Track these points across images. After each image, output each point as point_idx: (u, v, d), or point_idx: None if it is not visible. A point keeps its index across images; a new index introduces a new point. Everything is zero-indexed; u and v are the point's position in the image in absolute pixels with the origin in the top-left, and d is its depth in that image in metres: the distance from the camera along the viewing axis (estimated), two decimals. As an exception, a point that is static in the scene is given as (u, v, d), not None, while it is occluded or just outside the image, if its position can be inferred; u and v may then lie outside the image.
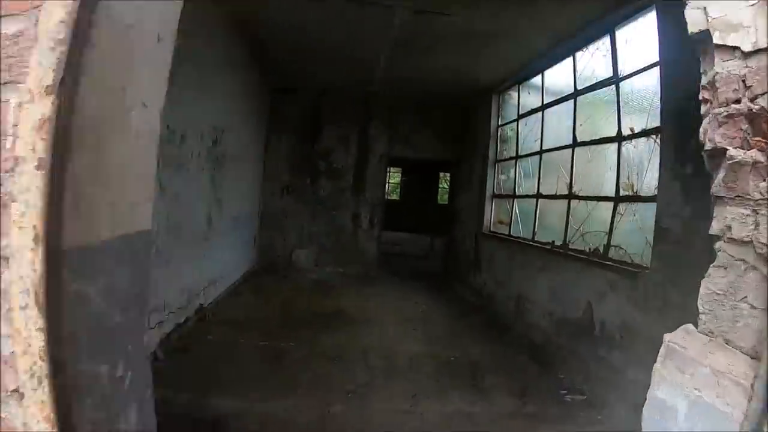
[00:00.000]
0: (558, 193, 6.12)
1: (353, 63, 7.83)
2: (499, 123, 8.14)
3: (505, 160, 7.86)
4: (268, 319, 6.33)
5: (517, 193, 7.28)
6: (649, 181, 4.72)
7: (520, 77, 7.31)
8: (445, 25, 5.99)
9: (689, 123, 3.83)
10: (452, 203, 9.99)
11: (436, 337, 6.04)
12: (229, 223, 7.52)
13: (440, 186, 23.14)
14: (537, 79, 6.96)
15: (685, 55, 4.11)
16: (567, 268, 5.44)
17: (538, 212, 6.55)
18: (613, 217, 5.04)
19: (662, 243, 4.06)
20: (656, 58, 4.42)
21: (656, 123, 4.48)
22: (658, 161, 4.31)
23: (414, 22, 6.02)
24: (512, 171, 7.55)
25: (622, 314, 4.46)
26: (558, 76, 6.56)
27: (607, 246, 5.06)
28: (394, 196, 25.30)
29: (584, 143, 5.66)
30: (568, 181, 5.89)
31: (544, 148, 6.60)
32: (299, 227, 9.70)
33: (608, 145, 5.27)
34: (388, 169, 9.85)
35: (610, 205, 5.08)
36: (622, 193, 4.98)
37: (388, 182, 26.72)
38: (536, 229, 6.53)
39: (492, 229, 7.97)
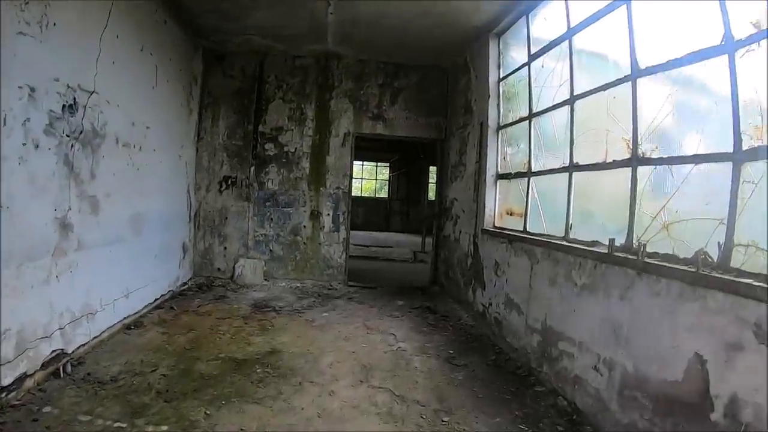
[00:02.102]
0: (610, 160, 3.53)
1: (289, 3, 5.26)
2: (501, 75, 5.54)
3: (513, 123, 5.23)
4: (155, 374, 3.78)
5: (533, 169, 4.69)
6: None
7: (530, 4, 4.73)
8: None
9: None
10: (440, 193, 7.38)
11: (413, 405, 3.43)
12: (120, 229, 4.96)
13: (430, 182, 20.52)
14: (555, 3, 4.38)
15: None
16: (644, 290, 2.86)
17: (572, 194, 3.96)
18: (735, 190, 2.47)
19: None
20: None
21: None
22: None
23: None
24: (525, 139, 4.96)
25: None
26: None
27: (729, 246, 2.49)
28: (383, 194, 22.76)
29: (658, 68, 3.08)
30: (630, 136, 3.30)
31: (576, 93, 4.01)
32: (243, 230, 7.10)
33: (709, 61, 2.69)
34: (354, 149, 7.19)
35: (725, 169, 2.51)
36: (748, 144, 2.42)
37: (376, 179, 24.20)
38: (571, 222, 3.94)
39: (498, 225, 5.36)
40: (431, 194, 20.30)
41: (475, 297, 5.58)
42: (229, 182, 7.04)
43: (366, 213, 21.42)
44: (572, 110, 4.04)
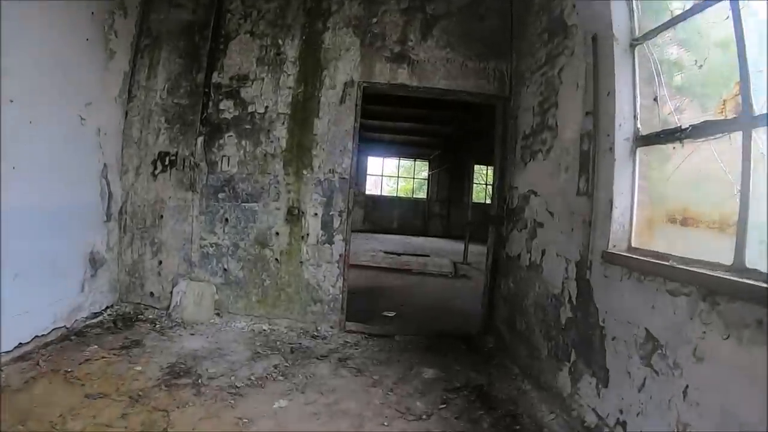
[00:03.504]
0: None
1: None
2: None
3: (675, 22, 2.32)
4: None
5: (757, 111, 1.82)
6: None
7: None
8: None
9: None
10: (502, 184, 4.45)
11: None
12: None
13: (475, 182, 17.52)
14: None
15: None
16: None
17: None
18: None
19: None
20: None
21: None
22: None
23: None
24: (712, 50, 2.11)
25: None
26: None
27: None
28: (420, 195, 19.88)
29: None
30: None
31: None
32: (185, 236, 4.49)
33: None
34: (361, 108, 4.34)
35: None
36: None
37: (413, 178, 21.28)
38: None
39: (640, 246, 2.45)
40: (475, 196, 17.36)
41: (576, 389, 2.70)
42: (167, 161, 4.45)
43: (402, 215, 18.76)
44: None
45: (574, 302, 2.76)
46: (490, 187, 20.30)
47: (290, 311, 4.29)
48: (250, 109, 4.30)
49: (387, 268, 9.67)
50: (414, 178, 20.49)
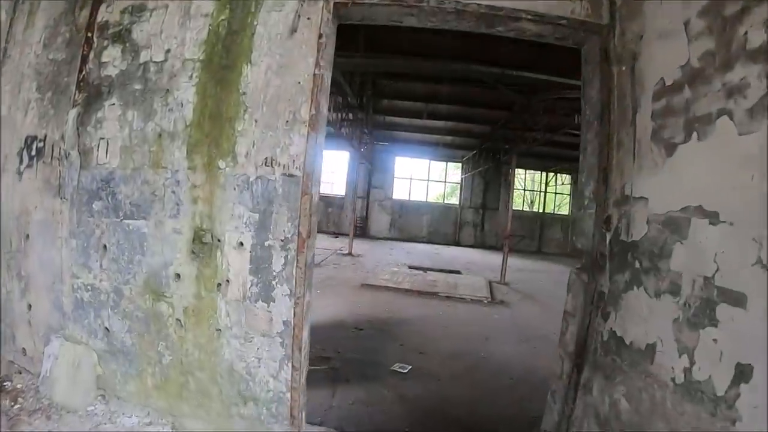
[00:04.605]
0: None
1: None
2: None
3: None
4: None
5: None
6: None
7: None
8: None
9: None
10: (602, 193, 2.17)
11: None
12: None
13: (516, 188, 15.25)
14: None
15: None
16: None
17: None
18: None
19: None
20: None
21: None
22: None
23: None
24: None
25: None
26: None
27: None
28: (452, 200, 17.68)
29: None
30: None
31: None
32: (54, 269, 2.68)
33: None
34: (325, 44, 2.34)
35: None
36: None
37: (445, 182, 18.99)
38: None
39: None
40: (514, 203, 15.09)
41: None
42: (34, 149, 2.69)
43: (431, 222, 16.75)
44: None
45: None
46: (528, 194, 17.79)
47: (205, 409, 2.35)
48: (143, 57, 2.39)
49: (409, 290, 7.70)
50: (446, 182, 18.32)
